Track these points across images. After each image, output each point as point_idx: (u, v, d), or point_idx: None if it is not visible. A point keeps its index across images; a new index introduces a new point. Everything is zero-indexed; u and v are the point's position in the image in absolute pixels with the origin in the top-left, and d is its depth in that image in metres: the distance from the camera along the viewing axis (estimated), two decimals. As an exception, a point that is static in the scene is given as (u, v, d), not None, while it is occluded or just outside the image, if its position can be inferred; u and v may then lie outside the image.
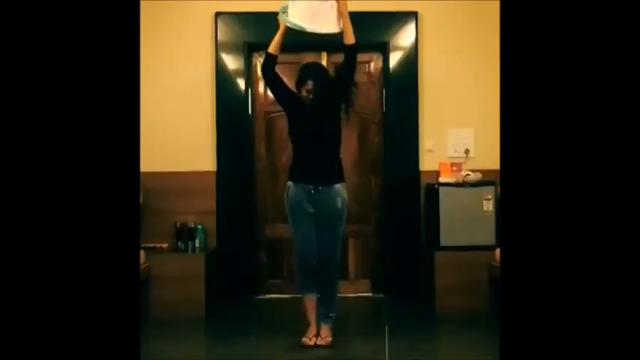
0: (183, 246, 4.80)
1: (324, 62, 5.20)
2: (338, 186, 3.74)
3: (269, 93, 5.22)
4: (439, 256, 4.62)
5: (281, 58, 5.23)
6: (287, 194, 3.78)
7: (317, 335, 3.71)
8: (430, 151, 5.07)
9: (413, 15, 5.07)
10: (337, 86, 3.84)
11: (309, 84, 3.74)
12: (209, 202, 5.00)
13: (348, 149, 4.83)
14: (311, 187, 3.70)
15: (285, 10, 3.72)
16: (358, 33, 5.12)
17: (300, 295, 3.86)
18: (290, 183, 3.78)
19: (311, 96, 3.73)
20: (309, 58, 5.19)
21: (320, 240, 3.71)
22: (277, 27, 5.06)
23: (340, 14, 3.73)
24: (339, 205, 3.73)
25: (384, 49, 5.12)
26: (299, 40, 5.13)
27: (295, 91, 3.83)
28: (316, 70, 4.01)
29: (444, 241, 4.64)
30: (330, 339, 3.71)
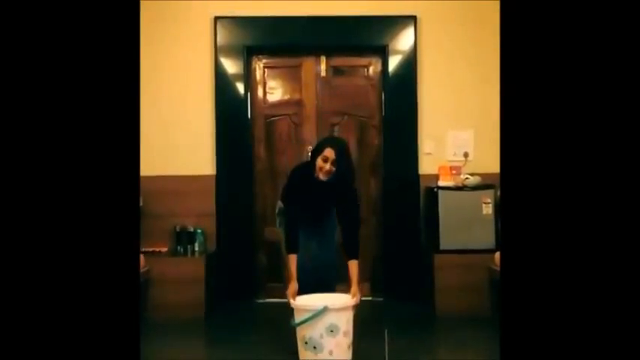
0: (182, 249, 4.81)
1: (323, 66, 5.22)
2: None
3: (268, 97, 5.26)
4: (439, 260, 4.62)
5: (280, 61, 5.29)
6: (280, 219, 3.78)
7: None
8: (429, 154, 5.08)
9: (412, 19, 5.09)
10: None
11: (331, 155, 3.47)
12: (208, 206, 5.01)
13: (348, 152, 4.83)
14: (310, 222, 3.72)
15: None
16: (358, 37, 5.18)
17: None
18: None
19: (332, 169, 3.48)
20: (308, 61, 5.22)
21: (319, 248, 3.71)
22: (275, 32, 5.11)
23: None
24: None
25: (384, 53, 5.13)
26: (298, 43, 5.19)
27: (313, 159, 3.57)
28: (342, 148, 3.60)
29: (444, 244, 4.64)
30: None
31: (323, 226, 3.80)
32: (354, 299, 3.36)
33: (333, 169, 3.50)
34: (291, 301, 3.31)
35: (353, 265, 3.55)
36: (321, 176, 3.52)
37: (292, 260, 3.57)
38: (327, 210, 3.78)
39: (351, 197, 3.64)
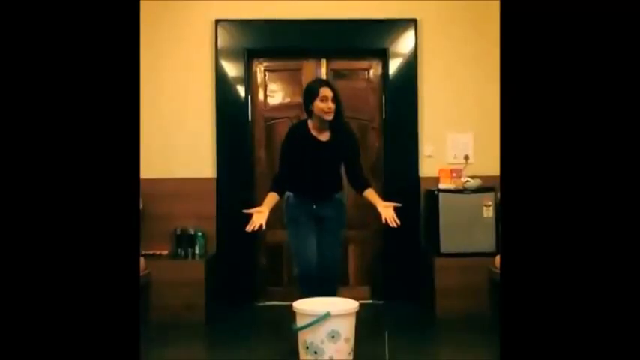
0: (183, 252, 4.80)
1: (323, 69, 5.22)
2: (337, 195, 3.75)
3: (269, 100, 5.26)
4: (439, 263, 4.61)
5: (281, 64, 5.30)
6: (286, 205, 3.76)
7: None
8: (430, 157, 5.09)
9: (412, 22, 5.09)
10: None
11: (329, 93, 3.53)
12: (209, 208, 5.01)
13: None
14: (312, 201, 3.69)
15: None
16: (358, 40, 5.19)
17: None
18: (289, 194, 3.75)
19: (333, 107, 3.52)
20: (309, 64, 5.22)
21: (322, 246, 3.70)
22: (276, 35, 5.12)
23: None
24: (340, 213, 3.76)
25: (384, 56, 5.14)
26: (299, 46, 5.19)
27: (308, 106, 3.61)
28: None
29: (444, 247, 4.63)
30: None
31: (325, 207, 3.69)
32: (391, 215, 3.46)
33: (334, 106, 3.51)
34: (294, 304, 3.28)
35: (370, 193, 3.58)
36: (326, 117, 3.51)
37: (271, 196, 3.55)
38: (328, 178, 3.67)
39: (350, 135, 3.68)
